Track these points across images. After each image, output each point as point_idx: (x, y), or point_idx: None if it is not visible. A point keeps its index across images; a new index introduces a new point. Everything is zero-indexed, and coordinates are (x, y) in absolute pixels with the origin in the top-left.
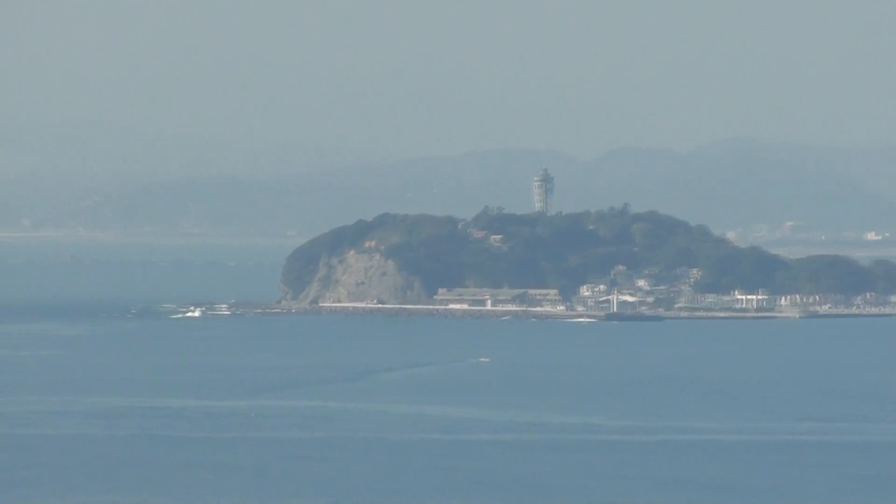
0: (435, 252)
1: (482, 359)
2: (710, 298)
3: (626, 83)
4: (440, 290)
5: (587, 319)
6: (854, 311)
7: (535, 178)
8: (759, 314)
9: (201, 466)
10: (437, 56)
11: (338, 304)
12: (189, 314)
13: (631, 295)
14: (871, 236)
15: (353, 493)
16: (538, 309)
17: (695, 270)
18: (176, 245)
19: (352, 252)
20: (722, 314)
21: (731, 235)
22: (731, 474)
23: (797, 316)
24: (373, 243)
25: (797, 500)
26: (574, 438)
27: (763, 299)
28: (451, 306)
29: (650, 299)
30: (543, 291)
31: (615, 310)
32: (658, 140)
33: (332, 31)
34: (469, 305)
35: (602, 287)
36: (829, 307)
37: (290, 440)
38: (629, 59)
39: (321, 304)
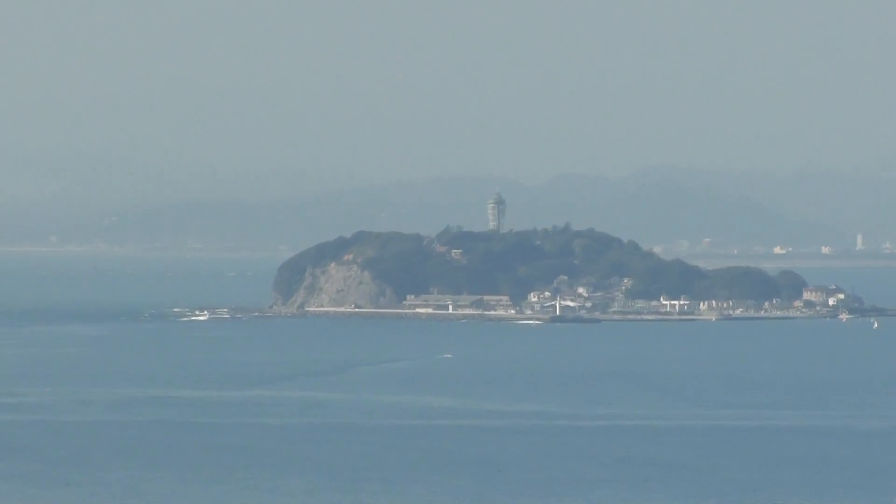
0: (404, 264)
1: (446, 355)
2: (640, 303)
3: (566, 120)
4: (408, 297)
5: (535, 322)
6: (763, 314)
7: (490, 201)
8: (682, 317)
9: (209, 447)
10: (407, 96)
11: (321, 309)
12: (196, 317)
13: (572, 300)
14: (778, 250)
15: (340, 470)
16: (492, 313)
17: (626, 279)
18: (183, 258)
19: (333, 264)
20: (650, 317)
21: (657, 250)
22: (664, 453)
23: (714, 318)
24: (350, 256)
25: (720, 474)
26: (528, 423)
27: (685, 304)
28: (418, 310)
29: (589, 304)
30: (497, 298)
31: (558, 313)
32: (594, 168)
33: (318, 78)
34: (433, 310)
35: (547, 294)
36: (742, 311)
37: (285, 425)
38: (570, 99)
39: (307, 309)
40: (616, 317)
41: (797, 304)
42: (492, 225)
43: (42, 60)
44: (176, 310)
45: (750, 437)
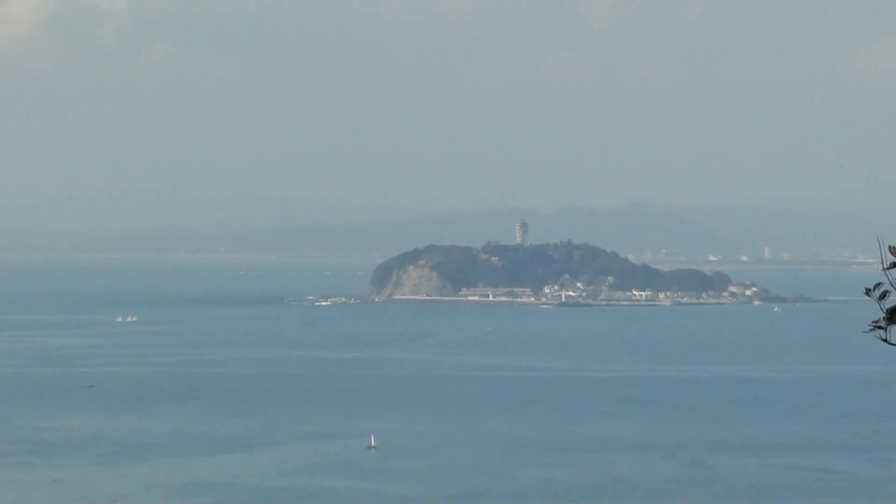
0: (459, 266)
1: (488, 328)
2: (619, 294)
3: (570, 169)
4: (462, 289)
5: (548, 306)
6: (702, 301)
7: (517, 224)
8: (647, 303)
9: (334, 390)
10: (463, 152)
11: (403, 297)
12: (321, 302)
13: (573, 292)
14: (711, 258)
15: (425, 404)
16: (519, 300)
17: (610, 277)
18: (309, 263)
19: (411, 267)
20: (625, 303)
21: (631, 257)
22: (649, 394)
23: (669, 304)
24: (423, 262)
25: (689, 409)
26: (551, 375)
27: (649, 294)
28: (469, 298)
29: (584, 294)
30: (522, 289)
31: (564, 300)
32: (589, 202)
33: (402, 139)
34: (479, 298)
35: (556, 287)
36: (688, 299)
37: (384, 375)
38: (573, 155)
39: (394, 297)
40: (603, 303)
41: (725, 294)
42: (518, 240)
43: (198, 125)
44: (308, 297)
45: (704, 384)
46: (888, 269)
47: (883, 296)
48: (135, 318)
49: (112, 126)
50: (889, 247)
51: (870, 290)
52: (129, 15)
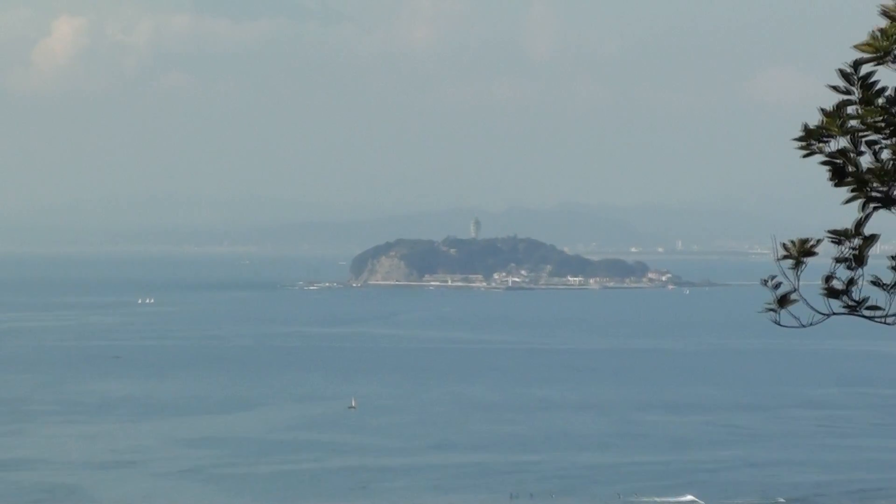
0: (423, 257)
1: (446, 308)
2: (556, 279)
3: (515, 175)
4: (426, 276)
5: (497, 290)
6: (625, 285)
7: (472, 222)
8: (580, 287)
9: (323, 359)
10: (426, 160)
11: (377, 283)
12: (309, 287)
13: (518, 278)
14: (633, 249)
15: (395, 371)
16: (473, 285)
17: (549, 266)
18: (298, 254)
19: (383, 257)
20: (561, 287)
21: (566, 249)
22: (586, 363)
23: (598, 288)
24: (394, 253)
25: (618, 374)
26: (503, 347)
27: (581, 280)
28: (431, 284)
29: (528, 280)
30: (476, 276)
31: (511, 285)
32: (532, 202)
33: (376, 153)
34: (439, 283)
35: (504, 274)
36: (613, 284)
37: (360, 347)
38: (517, 163)
39: (369, 283)
40: (543, 287)
41: (644, 280)
42: (473, 235)
43: (206, 140)
44: (298, 282)
45: (630, 354)
46: (780, 259)
47: (777, 286)
48: (153, 300)
49: (135, 140)
50: (782, 243)
51: (766, 280)
52: (150, 49)
